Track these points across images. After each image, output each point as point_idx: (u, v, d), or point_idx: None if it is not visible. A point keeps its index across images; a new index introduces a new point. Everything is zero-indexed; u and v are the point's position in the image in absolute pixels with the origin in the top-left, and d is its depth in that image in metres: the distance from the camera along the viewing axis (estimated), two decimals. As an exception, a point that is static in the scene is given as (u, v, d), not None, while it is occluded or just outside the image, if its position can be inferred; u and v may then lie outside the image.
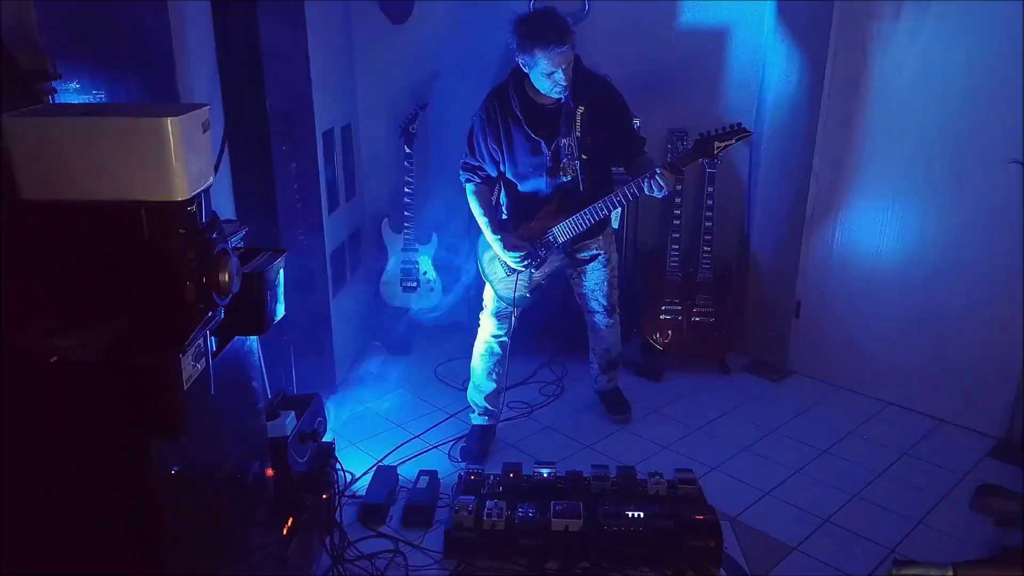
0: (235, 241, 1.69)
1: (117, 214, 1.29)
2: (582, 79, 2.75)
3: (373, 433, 3.26)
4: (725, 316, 3.76)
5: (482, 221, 2.92)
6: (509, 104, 2.79)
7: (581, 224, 2.81)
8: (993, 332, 3.14)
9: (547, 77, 2.64)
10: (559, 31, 2.57)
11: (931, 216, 3.26)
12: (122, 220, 1.30)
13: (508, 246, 2.87)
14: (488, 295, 3.07)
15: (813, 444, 3.20)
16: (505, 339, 3.09)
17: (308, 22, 3.04)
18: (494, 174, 2.93)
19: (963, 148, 3.11)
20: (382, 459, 3.04)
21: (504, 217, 3.00)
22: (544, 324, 3.72)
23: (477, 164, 2.93)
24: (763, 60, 3.72)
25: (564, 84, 2.65)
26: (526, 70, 2.70)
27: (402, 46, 3.88)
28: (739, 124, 2.64)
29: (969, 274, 3.19)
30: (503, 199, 3.02)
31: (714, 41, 3.77)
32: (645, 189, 2.65)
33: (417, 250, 3.87)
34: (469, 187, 2.95)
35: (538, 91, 2.74)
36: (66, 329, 1.27)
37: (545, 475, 2.70)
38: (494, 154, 2.87)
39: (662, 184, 2.62)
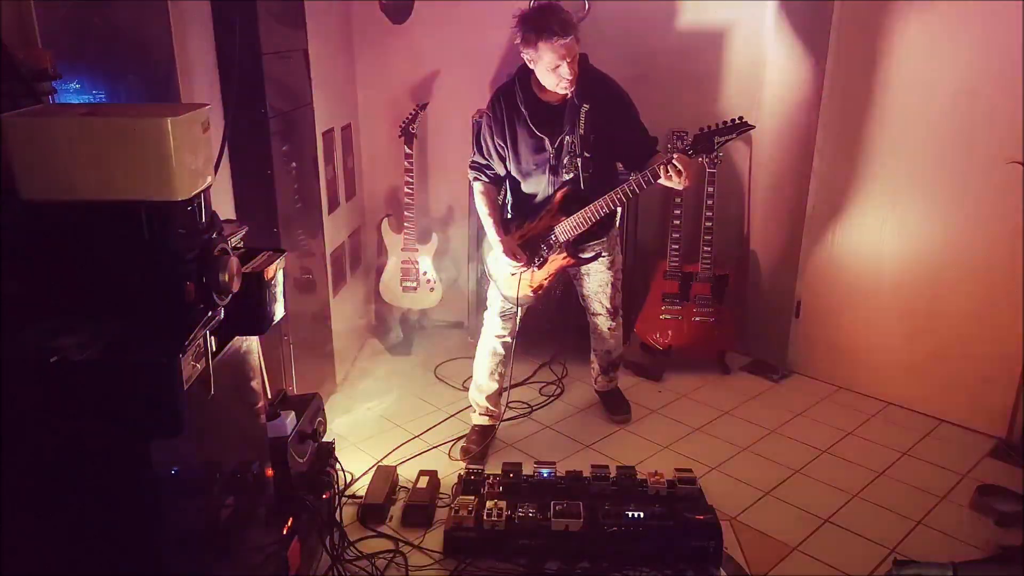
0: (235, 241, 1.69)
1: (117, 214, 1.29)
2: (588, 77, 2.75)
3: (373, 433, 3.26)
4: (725, 316, 3.76)
5: (487, 221, 2.93)
6: (515, 101, 2.80)
7: (583, 222, 2.81)
8: (993, 332, 3.14)
9: (552, 72, 2.65)
10: (561, 23, 2.58)
11: (931, 216, 3.26)
12: (122, 220, 1.30)
13: (507, 251, 2.87)
14: (493, 294, 3.08)
15: (813, 444, 3.20)
16: (508, 339, 3.09)
17: (308, 22, 3.05)
18: (502, 172, 2.94)
19: (963, 148, 3.11)
20: (382, 459, 3.04)
21: (508, 216, 3.01)
22: (544, 324, 3.72)
23: (485, 162, 2.94)
24: (763, 60, 3.72)
25: (570, 79, 2.65)
26: (531, 66, 2.70)
27: (402, 46, 3.88)
28: (740, 118, 2.61)
29: (969, 274, 3.19)
30: (508, 197, 3.03)
31: (714, 41, 3.78)
32: (662, 175, 2.59)
33: (417, 250, 3.88)
34: (476, 186, 2.96)
35: (544, 88, 2.74)
36: (66, 329, 1.27)
37: (545, 475, 2.70)
38: (500, 151, 2.88)
39: (680, 168, 2.54)
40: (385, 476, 2.85)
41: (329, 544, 2.39)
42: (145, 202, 1.29)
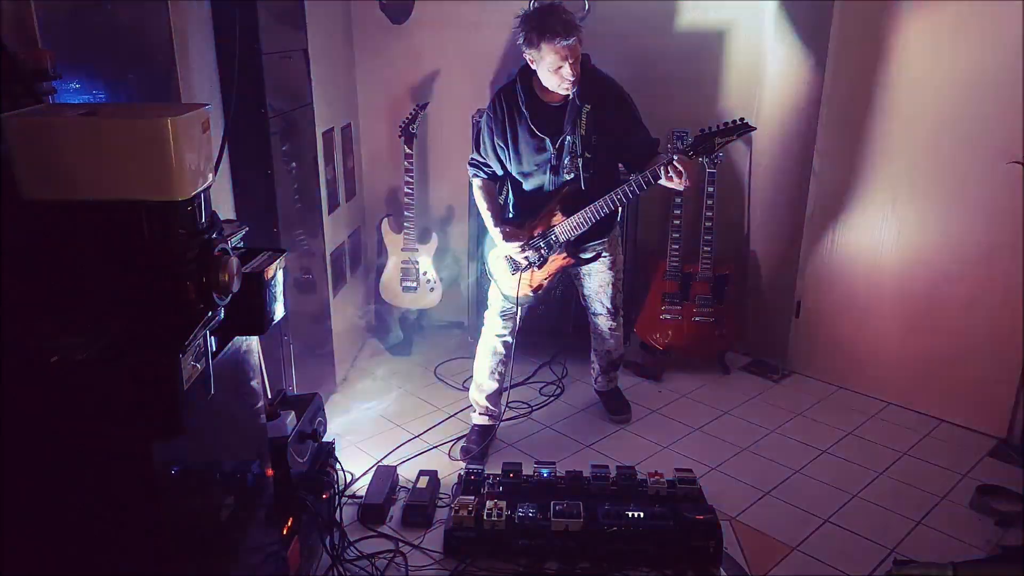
0: (235, 241, 1.69)
1: (117, 214, 1.29)
2: (590, 78, 2.75)
3: (373, 433, 3.26)
4: (725, 316, 3.76)
5: (486, 214, 2.95)
6: (516, 101, 2.80)
7: (584, 222, 2.81)
8: (993, 332, 3.14)
9: (554, 72, 2.65)
10: (564, 24, 2.58)
11: (931, 215, 3.26)
12: (122, 220, 1.29)
13: (507, 236, 2.88)
14: (493, 293, 3.08)
15: (813, 444, 3.20)
16: (509, 338, 3.09)
17: (308, 22, 3.05)
18: (500, 172, 2.95)
19: (963, 148, 3.11)
20: (382, 459, 3.04)
21: (510, 215, 3.01)
22: (544, 324, 3.72)
23: (483, 161, 2.94)
24: (763, 60, 3.72)
25: (572, 80, 2.65)
26: (533, 66, 2.70)
27: (402, 46, 3.88)
28: (742, 119, 2.61)
29: (969, 274, 3.19)
30: (510, 198, 3.03)
31: (714, 41, 3.77)
32: (662, 176, 2.59)
33: (417, 250, 3.88)
34: (475, 181, 2.98)
35: (546, 89, 2.74)
36: (66, 329, 1.27)
37: (545, 475, 2.70)
38: (500, 151, 2.88)
39: (681, 169, 2.55)
40: (385, 476, 2.85)
41: (329, 544, 2.39)
42: (145, 202, 1.29)
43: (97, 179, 1.28)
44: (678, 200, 3.65)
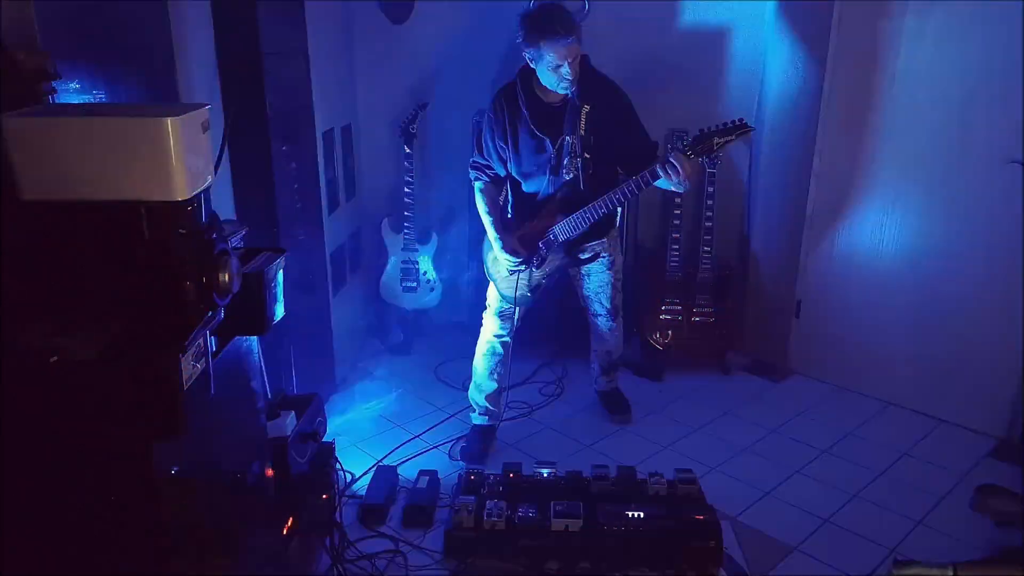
0: (235, 241, 1.69)
1: (117, 214, 1.29)
2: (589, 79, 2.75)
3: (373, 433, 3.26)
4: (725, 316, 3.76)
5: (486, 220, 2.93)
6: (516, 102, 2.80)
7: (581, 223, 2.81)
8: (993, 332, 3.14)
9: (553, 71, 2.64)
10: (564, 24, 2.57)
11: (931, 215, 3.26)
12: (122, 220, 1.30)
13: (507, 248, 2.88)
14: (491, 294, 3.08)
15: (813, 444, 3.20)
16: (507, 339, 3.09)
17: (308, 22, 3.05)
18: (502, 173, 2.94)
19: (963, 148, 3.11)
20: (382, 459, 3.04)
21: (509, 216, 3.01)
22: (544, 324, 3.72)
23: (485, 163, 2.94)
24: (763, 60, 3.72)
25: (571, 79, 2.65)
26: (532, 65, 2.70)
27: (402, 46, 3.88)
28: (741, 120, 2.59)
29: (969, 274, 3.19)
30: (509, 198, 3.03)
31: (714, 41, 3.78)
32: (660, 175, 2.56)
33: (417, 250, 3.88)
34: (477, 185, 2.97)
35: (545, 89, 2.74)
36: (66, 329, 1.27)
37: (545, 475, 2.70)
38: (501, 152, 2.88)
39: (677, 167, 2.52)
40: (385, 476, 2.85)
41: (329, 544, 2.39)
42: (145, 202, 1.29)
43: (97, 179, 1.28)
44: (678, 200, 3.64)
